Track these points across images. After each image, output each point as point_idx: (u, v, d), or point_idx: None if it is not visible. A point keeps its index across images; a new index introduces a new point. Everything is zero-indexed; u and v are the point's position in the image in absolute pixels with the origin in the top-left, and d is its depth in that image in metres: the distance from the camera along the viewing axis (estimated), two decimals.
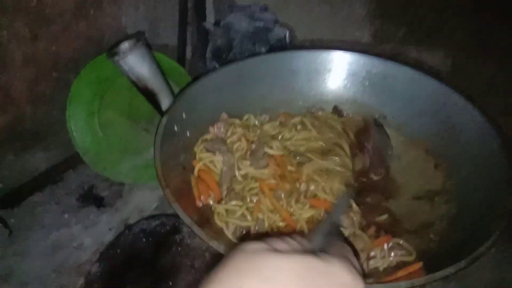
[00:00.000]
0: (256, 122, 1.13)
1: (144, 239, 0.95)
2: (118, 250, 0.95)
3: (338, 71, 1.18)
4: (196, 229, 0.66)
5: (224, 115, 1.09)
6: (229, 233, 0.86)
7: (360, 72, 1.15)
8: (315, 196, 0.91)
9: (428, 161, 1.03)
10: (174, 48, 1.42)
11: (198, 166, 0.94)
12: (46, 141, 1.19)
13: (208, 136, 1.03)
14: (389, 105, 1.14)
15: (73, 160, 1.22)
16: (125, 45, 0.85)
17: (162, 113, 0.93)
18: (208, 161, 0.96)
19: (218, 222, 0.87)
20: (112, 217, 1.17)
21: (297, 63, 1.16)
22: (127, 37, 0.87)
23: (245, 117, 1.14)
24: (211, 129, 1.04)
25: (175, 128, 0.94)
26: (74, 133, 1.16)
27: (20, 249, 1.06)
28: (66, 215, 1.16)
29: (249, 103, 1.14)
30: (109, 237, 1.11)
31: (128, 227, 1.03)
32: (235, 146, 0.99)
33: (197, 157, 0.97)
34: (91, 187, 1.24)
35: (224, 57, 1.45)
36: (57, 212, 1.14)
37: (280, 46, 1.36)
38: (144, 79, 0.87)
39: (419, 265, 0.76)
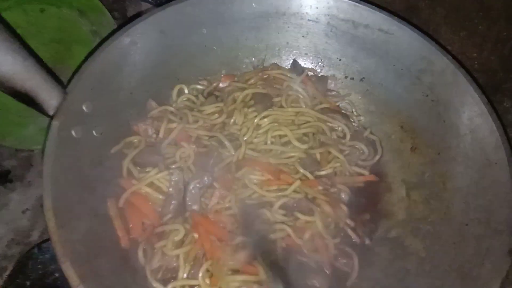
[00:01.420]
0: (193, 99, 0.87)
1: (56, 273, 0.75)
2: (28, 283, 0.76)
3: (295, 16, 0.90)
4: None
5: (151, 104, 0.83)
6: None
7: (324, 18, 0.89)
8: None
9: (404, 140, 0.85)
10: None
11: (129, 191, 0.71)
12: None
13: (133, 139, 0.78)
14: (359, 62, 0.91)
15: None
16: None
17: (50, 117, 0.64)
18: (145, 182, 0.73)
19: None
20: (25, 195, 0.98)
21: (241, 5, 0.87)
22: None
23: (176, 88, 0.86)
24: (135, 128, 0.77)
25: (73, 134, 0.67)
26: None
27: None
28: None
29: (179, 68, 0.87)
30: (24, 222, 0.93)
31: (38, 245, 0.82)
32: (178, 154, 0.77)
33: (124, 174, 0.74)
34: None
35: None
36: None
37: None
38: (7, 81, 0.56)
39: None
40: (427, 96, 0.84)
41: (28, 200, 0.97)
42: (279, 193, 0.76)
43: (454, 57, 0.80)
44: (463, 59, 1.05)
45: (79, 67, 0.71)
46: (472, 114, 0.76)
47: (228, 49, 0.92)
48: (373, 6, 0.85)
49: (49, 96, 0.62)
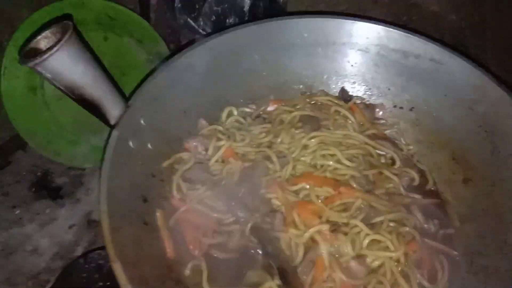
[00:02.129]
0: (241, 120, 0.89)
1: (100, 282, 0.76)
2: None
3: (344, 45, 0.92)
4: None
5: (202, 123, 0.87)
6: None
7: (374, 47, 0.90)
8: None
9: (456, 172, 0.82)
10: None
11: (181, 209, 0.74)
12: None
13: (183, 155, 0.80)
14: (408, 92, 0.91)
15: (23, 139, 1.00)
16: (44, 41, 0.58)
17: (111, 127, 0.68)
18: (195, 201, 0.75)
19: None
20: (72, 211, 1.01)
21: (292, 34, 0.89)
22: (45, 26, 0.59)
23: (226, 110, 0.89)
24: (186, 145, 0.80)
25: (130, 144, 0.70)
26: (12, 114, 0.95)
27: None
28: (17, 211, 1.00)
29: (230, 90, 0.91)
30: (69, 237, 0.96)
31: (84, 255, 0.84)
32: (225, 170, 0.79)
33: (174, 189, 0.76)
34: (46, 173, 1.06)
35: (197, 7, 1.16)
36: (6, 206, 0.99)
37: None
38: (78, 88, 0.61)
39: None
40: (480, 126, 0.82)
41: (75, 216, 1.00)
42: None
43: (508, 87, 0.78)
44: None
45: (140, 84, 0.76)
46: None
47: (277, 75, 0.94)
48: (424, 36, 0.86)
49: (112, 106, 0.66)
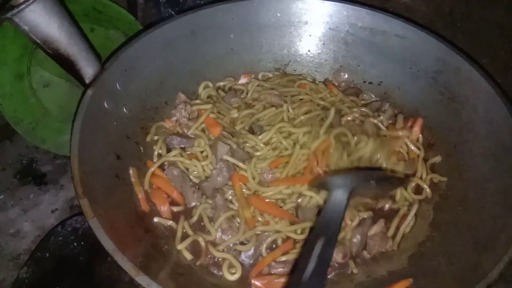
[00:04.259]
0: (215, 93, 0.94)
1: (75, 242, 0.78)
2: (47, 254, 0.79)
3: (315, 25, 0.97)
4: (121, 259, 0.49)
5: (181, 96, 0.90)
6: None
7: (343, 26, 0.95)
8: None
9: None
10: None
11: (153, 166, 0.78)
12: None
13: (166, 124, 0.85)
14: (377, 67, 0.95)
15: (10, 129, 1.02)
16: None
17: (85, 86, 0.71)
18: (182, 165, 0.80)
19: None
20: (56, 196, 1.03)
21: (266, 13, 0.95)
22: None
23: (202, 84, 0.93)
24: (173, 112, 0.86)
25: (105, 105, 0.73)
26: (0, 100, 0.97)
27: None
28: (1, 196, 1.02)
29: (207, 66, 0.94)
30: (51, 221, 0.97)
31: (61, 222, 0.85)
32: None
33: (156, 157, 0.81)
34: (31, 161, 1.08)
35: (181, 1, 1.21)
36: None
37: None
38: (53, 42, 0.65)
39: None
40: (443, 95, 0.85)
41: (58, 202, 1.02)
42: None
43: (468, 56, 0.82)
44: None
45: (116, 51, 0.80)
46: (488, 106, 0.77)
47: (253, 54, 0.98)
48: (389, 14, 0.91)
49: (87, 64, 0.70)
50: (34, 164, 1.09)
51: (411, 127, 0.87)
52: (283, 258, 0.72)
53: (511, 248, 0.56)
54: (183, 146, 0.85)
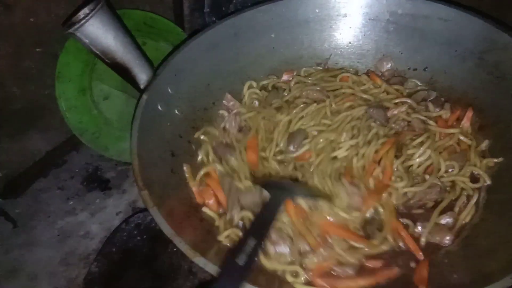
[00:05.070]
0: (258, 92, 0.97)
1: (138, 237, 0.85)
2: (114, 249, 0.86)
3: (355, 16, 0.98)
4: (179, 242, 0.53)
5: (228, 96, 0.94)
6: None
7: (383, 15, 0.95)
8: None
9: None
10: (169, 3, 1.23)
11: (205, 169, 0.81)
12: (41, 121, 1.11)
13: (214, 131, 0.89)
14: (421, 53, 0.93)
15: (75, 141, 1.11)
16: (83, 12, 0.69)
17: (140, 91, 0.78)
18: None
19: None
20: (119, 200, 1.11)
21: (305, 10, 0.97)
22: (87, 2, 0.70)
23: (246, 84, 0.97)
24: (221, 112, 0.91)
25: (159, 107, 0.79)
26: (66, 113, 1.06)
27: (26, 241, 1.02)
28: (71, 202, 1.10)
29: (250, 66, 0.98)
30: (116, 222, 1.04)
31: (125, 220, 0.92)
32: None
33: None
34: (96, 169, 1.17)
35: (224, 9, 1.26)
36: (61, 199, 1.10)
37: None
38: (110, 52, 0.71)
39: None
40: (492, 74, 0.83)
41: (121, 205, 1.09)
42: None
43: None
44: None
45: (167, 57, 0.86)
46: None
47: (294, 51, 1.01)
48: None
49: (141, 71, 0.76)
50: (98, 172, 1.17)
51: (460, 119, 0.84)
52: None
53: None
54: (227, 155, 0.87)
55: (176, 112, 0.84)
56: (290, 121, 0.90)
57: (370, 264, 0.70)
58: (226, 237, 0.72)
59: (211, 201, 0.79)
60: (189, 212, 0.71)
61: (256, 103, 0.96)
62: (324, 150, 0.84)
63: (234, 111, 0.93)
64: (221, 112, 0.94)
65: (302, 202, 0.73)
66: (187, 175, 0.78)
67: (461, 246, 0.70)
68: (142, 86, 0.77)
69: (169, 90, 0.83)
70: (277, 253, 0.70)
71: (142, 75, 0.77)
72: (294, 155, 0.84)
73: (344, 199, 0.75)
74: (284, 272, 0.68)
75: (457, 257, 0.69)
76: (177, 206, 0.68)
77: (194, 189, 0.77)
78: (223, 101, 0.95)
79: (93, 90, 1.08)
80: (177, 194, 0.72)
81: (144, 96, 0.77)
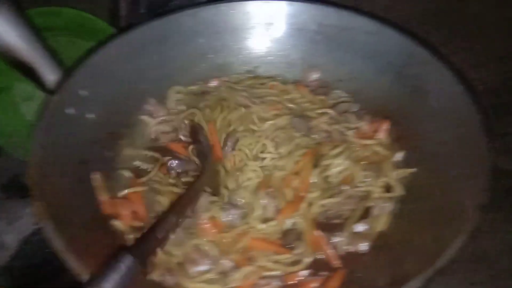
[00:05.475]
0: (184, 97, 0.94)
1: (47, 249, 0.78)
2: (21, 263, 0.80)
3: (283, 26, 0.97)
4: (69, 260, 0.49)
5: (151, 101, 0.91)
6: None
7: (310, 25, 0.95)
8: None
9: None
10: (106, 3, 1.18)
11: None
12: None
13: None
14: (346, 65, 0.95)
15: None
16: None
17: (47, 92, 0.73)
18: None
19: None
20: None
21: (234, 17, 0.96)
22: None
23: (173, 89, 0.94)
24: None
25: (69, 110, 0.74)
26: None
27: None
28: None
29: (177, 71, 0.95)
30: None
31: (35, 232, 0.86)
32: None
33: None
34: (15, 175, 1.07)
35: (160, 12, 1.23)
36: None
37: None
38: (13, 50, 0.66)
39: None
40: (409, 87, 0.85)
41: None
42: None
43: (433, 47, 0.83)
44: None
45: (83, 56, 0.81)
46: (450, 96, 0.77)
47: (223, 57, 0.99)
48: (356, 11, 0.91)
49: (48, 71, 0.71)
50: (18, 178, 1.07)
51: (378, 130, 0.86)
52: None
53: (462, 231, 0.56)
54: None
55: (90, 115, 0.79)
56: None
57: (293, 275, 0.70)
58: None
59: (126, 213, 0.75)
60: (93, 225, 0.66)
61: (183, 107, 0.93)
62: (248, 157, 0.83)
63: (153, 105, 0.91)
64: (143, 117, 0.90)
65: (222, 220, 0.72)
66: (96, 184, 0.74)
67: (376, 253, 0.71)
68: (49, 88, 0.72)
69: (83, 91, 0.78)
70: (198, 272, 0.68)
71: (49, 76, 0.72)
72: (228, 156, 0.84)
73: (259, 210, 0.74)
74: None
75: (373, 263, 0.70)
76: (79, 218, 0.63)
77: (103, 199, 0.73)
78: (146, 106, 0.91)
79: (14, 90, 1.02)
80: (82, 206, 0.68)
81: (51, 98, 0.72)
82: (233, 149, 0.85)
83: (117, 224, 0.72)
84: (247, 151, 0.85)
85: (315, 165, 0.80)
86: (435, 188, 0.71)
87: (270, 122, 0.88)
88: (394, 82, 0.88)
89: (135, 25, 0.90)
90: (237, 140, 0.85)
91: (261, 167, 0.82)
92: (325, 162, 0.81)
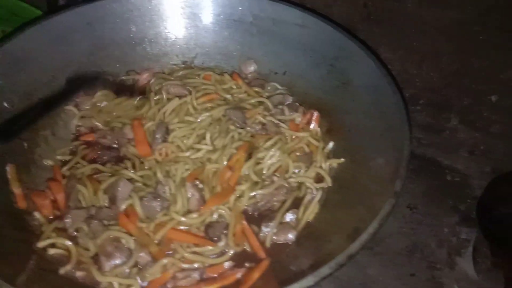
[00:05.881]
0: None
1: None
2: None
3: (220, 16, 0.96)
4: None
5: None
6: None
7: (246, 17, 0.94)
8: None
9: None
10: None
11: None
12: None
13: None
14: (281, 57, 0.95)
15: None
16: None
17: None
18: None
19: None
20: None
21: (168, 5, 0.94)
22: None
23: (101, 79, 0.91)
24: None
25: None
26: None
27: None
28: None
29: (107, 60, 0.92)
30: None
31: None
32: None
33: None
34: None
35: None
36: None
37: None
38: None
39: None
40: (339, 80, 0.86)
41: None
42: None
43: (362, 41, 0.84)
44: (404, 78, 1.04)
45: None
46: (378, 89, 0.78)
47: (157, 47, 0.96)
48: (290, 4, 0.91)
49: None
50: None
51: (310, 122, 0.87)
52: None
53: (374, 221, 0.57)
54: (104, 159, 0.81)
55: (5, 104, 0.75)
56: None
57: (214, 268, 0.68)
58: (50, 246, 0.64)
59: (45, 202, 0.71)
60: (5, 220, 0.62)
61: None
62: (180, 149, 0.82)
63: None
64: (67, 107, 0.85)
65: (139, 210, 0.69)
66: (9, 176, 0.69)
67: (301, 242, 0.72)
68: None
69: None
70: (112, 266, 0.66)
71: None
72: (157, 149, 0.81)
73: (182, 202, 0.72)
74: (120, 285, 0.64)
75: (298, 250, 0.71)
76: None
77: (17, 192, 0.69)
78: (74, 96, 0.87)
79: None
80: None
81: None
82: (164, 140, 0.82)
83: (37, 215, 0.68)
84: (179, 143, 0.82)
85: (249, 158, 0.79)
86: (358, 177, 0.72)
87: (207, 114, 0.86)
88: (326, 75, 0.88)
89: (61, 10, 0.86)
90: (167, 130, 0.83)
91: (194, 159, 0.80)
92: (259, 155, 0.81)
